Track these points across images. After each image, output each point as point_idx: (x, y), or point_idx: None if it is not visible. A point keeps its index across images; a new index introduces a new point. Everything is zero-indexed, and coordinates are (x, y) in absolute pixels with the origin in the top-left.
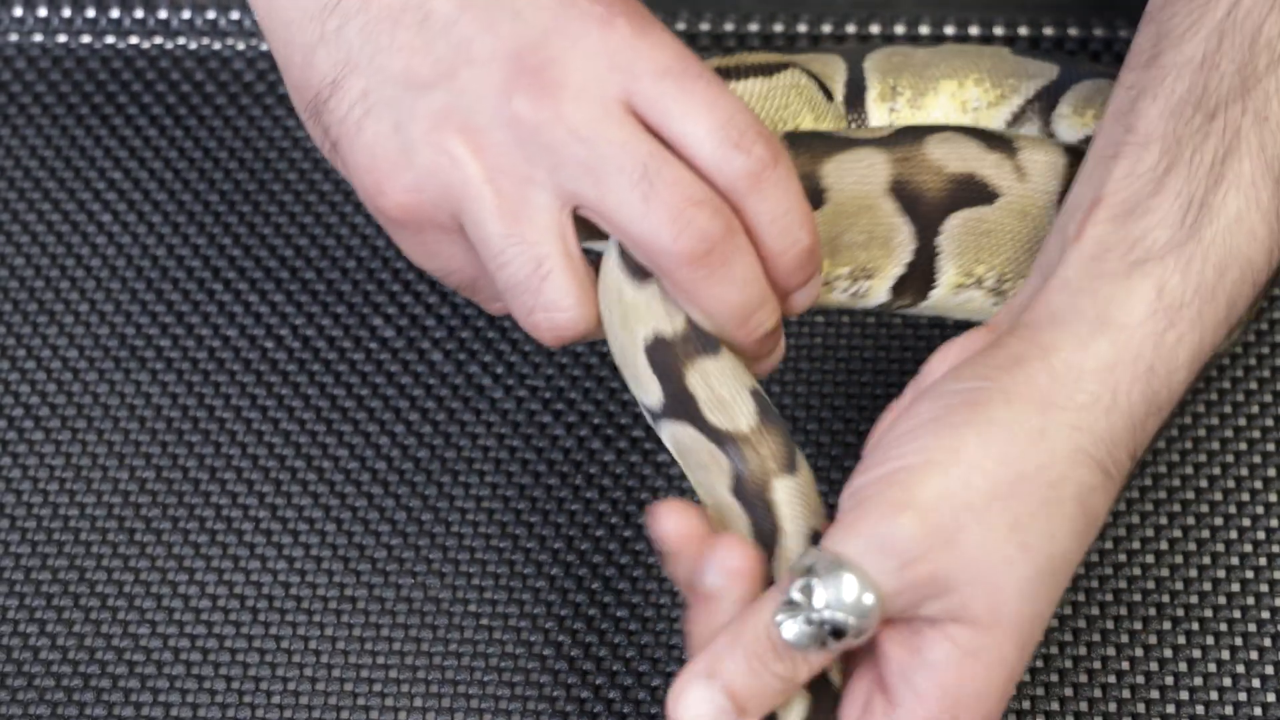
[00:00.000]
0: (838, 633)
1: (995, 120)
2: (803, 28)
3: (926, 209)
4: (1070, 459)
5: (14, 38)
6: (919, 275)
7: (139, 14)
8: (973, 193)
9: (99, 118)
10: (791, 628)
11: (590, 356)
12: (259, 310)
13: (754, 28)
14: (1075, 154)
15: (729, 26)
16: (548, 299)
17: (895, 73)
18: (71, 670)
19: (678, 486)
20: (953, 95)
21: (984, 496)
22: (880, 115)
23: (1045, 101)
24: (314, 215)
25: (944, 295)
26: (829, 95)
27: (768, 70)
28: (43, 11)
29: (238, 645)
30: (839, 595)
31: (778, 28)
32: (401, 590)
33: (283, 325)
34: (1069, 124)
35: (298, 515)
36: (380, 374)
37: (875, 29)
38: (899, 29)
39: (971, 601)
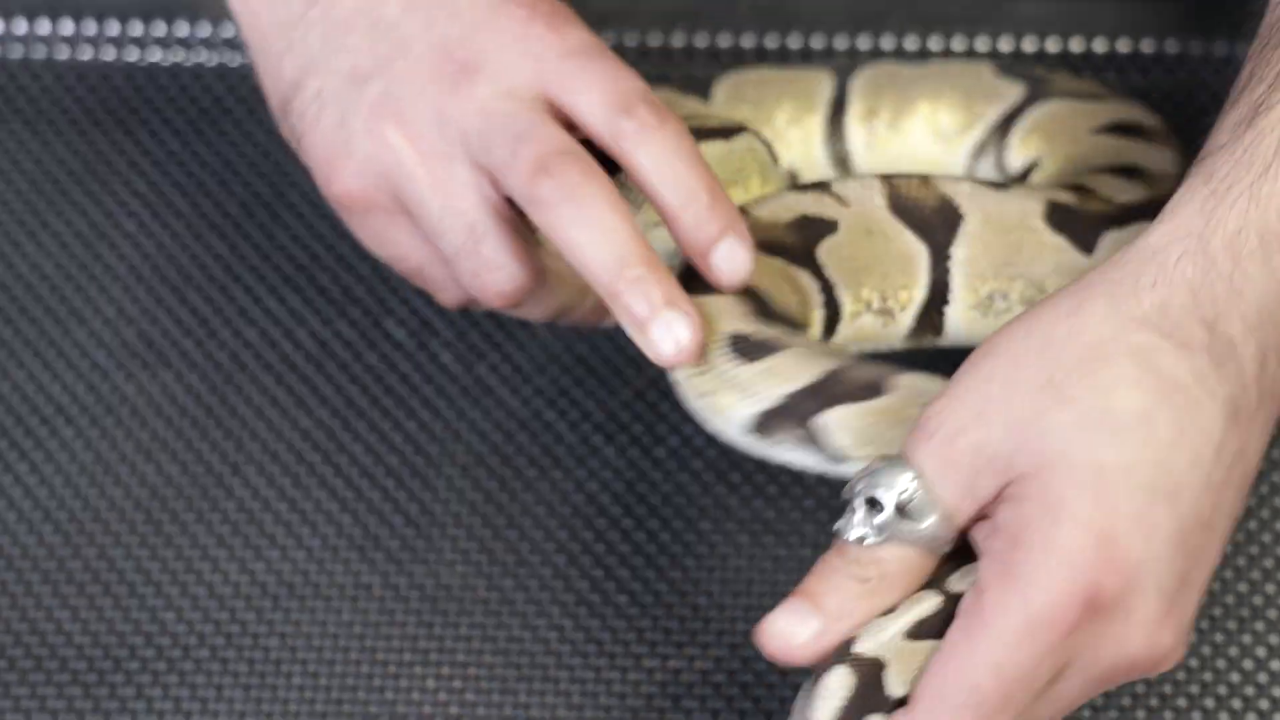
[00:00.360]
0: (877, 507)
1: (962, 147)
2: (795, 43)
3: (797, 254)
4: (1109, 322)
5: (41, 53)
6: (830, 311)
7: (160, 31)
8: (816, 228)
9: (123, 130)
10: (844, 520)
11: (593, 358)
12: (277, 313)
13: (748, 44)
14: (888, 178)
15: (724, 43)
16: (485, 260)
17: (879, 93)
18: (103, 653)
19: (674, 480)
20: (927, 119)
21: (1007, 366)
22: (860, 135)
23: (1003, 129)
24: (328, 221)
25: (845, 326)
26: (775, 160)
27: (727, 133)
28: (68, 28)
29: (259, 630)
30: (873, 473)
31: (770, 43)
32: (414, 578)
33: (300, 327)
34: (1015, 153)
35: (315, 507)
36: (393, 373)
37: (864, 43)
38: (886, 43)
39: (1015, 456)
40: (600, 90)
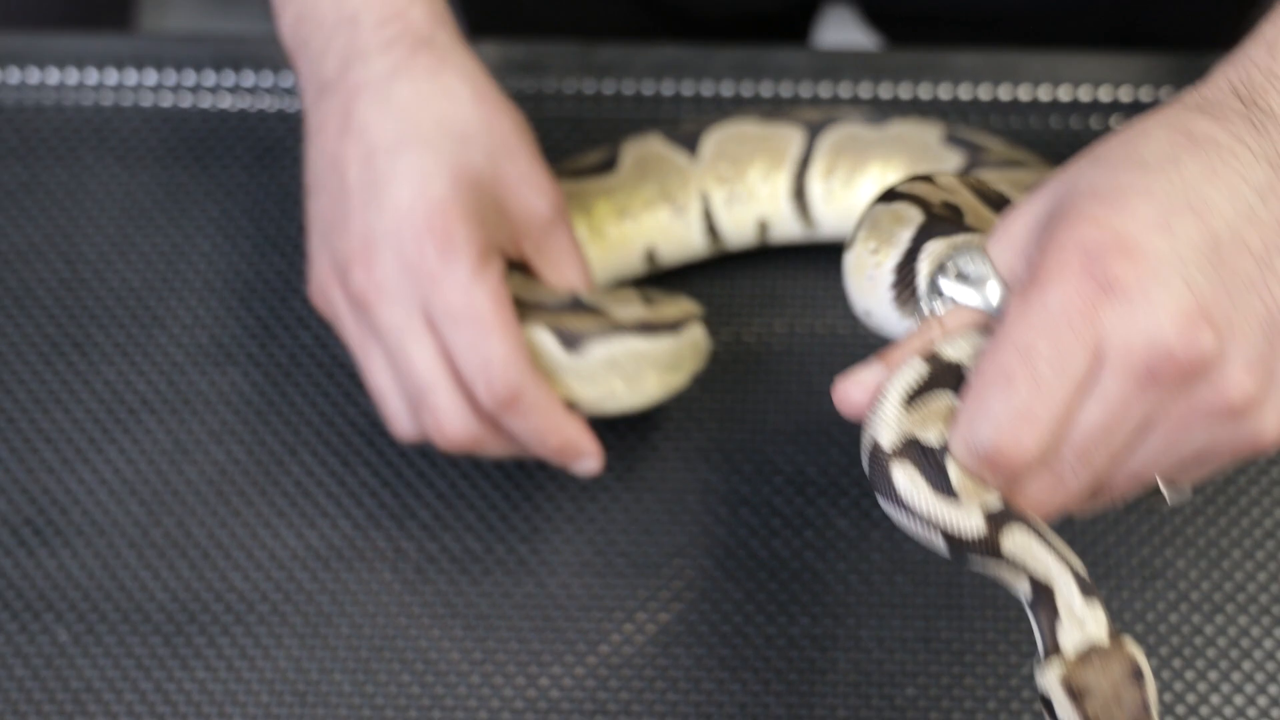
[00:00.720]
0: (941, 276)
1: None
2: (766, 91)
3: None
4: (1154, 116)
5: (129, 100)
6: None
7: (230, 80)
8: (958, 212)
9: (199, 165)
10: (918, 306)
11: None
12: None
13: (727, 92)
14: (959, 176)
15: (706, 92)
16: (388, 414)
17: (839, 153)
18: (179, 607)
19: (666, 462)
20: (876, 178)
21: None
22: (819, 189)
23: None
24: None
25: None
26: (709, 343)
27: (676, 327)
28: (152, 79)
29: (312, 588)
30: (945, 259)
31: (745, 92)
32: (443, 543)
33: None
34: None
35: (360, 483)
36: None
37: (825, 90)
38: (843, 91)
39: (1053, 208)
40: (468, 359)
